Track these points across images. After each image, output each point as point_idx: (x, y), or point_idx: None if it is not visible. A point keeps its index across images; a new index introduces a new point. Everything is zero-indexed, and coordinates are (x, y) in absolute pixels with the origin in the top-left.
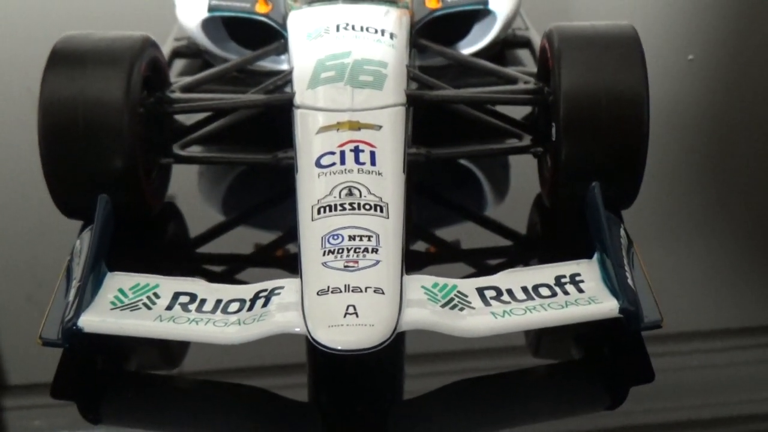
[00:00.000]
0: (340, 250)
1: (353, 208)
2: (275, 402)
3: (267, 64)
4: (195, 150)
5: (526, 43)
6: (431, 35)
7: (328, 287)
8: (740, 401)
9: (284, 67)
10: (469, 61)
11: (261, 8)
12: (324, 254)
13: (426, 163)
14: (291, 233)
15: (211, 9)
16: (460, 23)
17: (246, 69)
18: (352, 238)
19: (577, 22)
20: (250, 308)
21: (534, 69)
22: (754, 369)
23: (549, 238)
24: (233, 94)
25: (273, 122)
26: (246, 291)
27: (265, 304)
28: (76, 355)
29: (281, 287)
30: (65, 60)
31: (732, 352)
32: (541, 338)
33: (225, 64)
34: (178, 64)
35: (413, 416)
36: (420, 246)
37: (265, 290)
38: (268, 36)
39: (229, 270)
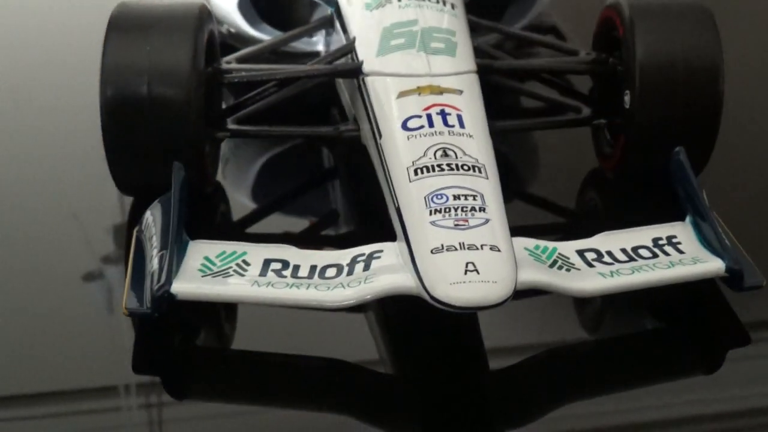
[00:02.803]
0: (447, 209)
1: (452, 169)
2: (354, 374)
3: (301, 45)
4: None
5: (551, 29)
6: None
7: (442, 245)
8: None
9: (319, 47)
10: (527, 36)
11: None
12: (430, 213)
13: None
14: (350, 208)
15: None
16: (495, 5)
17: (279, 51)
18: (456, 197)
19: None
20: (350, 273)
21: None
22: None
23: (620, 209)
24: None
25: (309, 98)
26: (341, 256)
27: (366, 268)
28: (150, 330)
29: (380, 251)
30: (126, 28)
31: None
32: (622, 307)
33: (274, 37)
34: None
35: (507, 386)
36: None
37: (363, 254)
38: (297, 17)
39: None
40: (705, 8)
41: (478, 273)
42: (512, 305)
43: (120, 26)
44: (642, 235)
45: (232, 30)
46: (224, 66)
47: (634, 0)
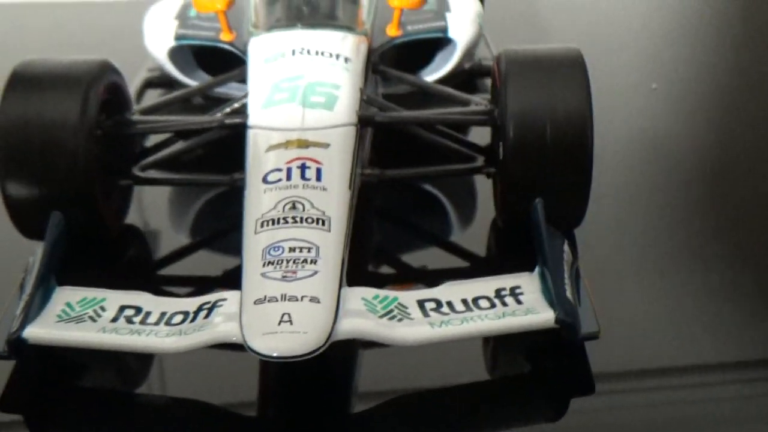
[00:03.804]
0: (280, 261)
1: (296, 222)
2: (225, 418)
3: (233, 92)
4: (155, 172)
5: (488, 73)
6: (396, 63)
7: (265, 296)
8: None
9: None
10: (426, 86)
11: (225, 36)
12: (264, 265)
13: (381, 184)
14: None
15: (177, 38)
16: (423, 52)
17: (212, 96)
18: (292, 249)
19: (526, 46)
20: (193, 320)
21: None
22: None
23: (500, 257)
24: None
25: (232, 145)
26: (190, 304)
27: (207, 316)
28: (25, 370)
29: (224, 299)
30: (22, 83)
31: (678, 390)
32: (487, 353)
33: (185, 89)
34: (152, 94)
35: (361, 429)
36: (376, 266)
37: (209, 302)
38: (235, 65)
39: (184, 289)
40: (577, 59)
41: (291, 323)
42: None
43: (18, 82)
44: (486, 286)
45: (173, 78)
46: (127, 117)
47: (512, 53)
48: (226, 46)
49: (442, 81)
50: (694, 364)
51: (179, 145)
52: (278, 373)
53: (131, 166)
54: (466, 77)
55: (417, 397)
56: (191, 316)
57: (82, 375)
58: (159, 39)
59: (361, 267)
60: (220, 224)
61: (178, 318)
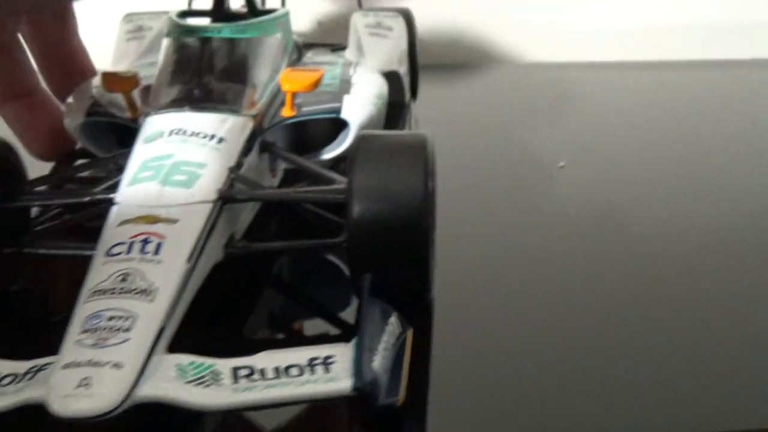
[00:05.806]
0: (95, 329)
1: (122, 292)
2: None
3: None
4: (43, 242)
5: None
6: (299, 142)
7: (72, 362)
8: None
9: None
10: (300, 164)
11: (130, 114)
12: (80, 333)
13: (245, 256)
14: None
15: (88, 114)
16: (325, 131)
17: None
18: (110, 318)
19: (383, 131)
20: (19, 381)
21: None
22: None
23: (350, 329)
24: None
25: None
26: (21, 367)
27: (32, 378)
28: None
29: (50, 363)
30: None
31: None
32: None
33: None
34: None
35: None
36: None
37: (36, 366)
38: None
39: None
40: (420, 142)
41: (88, 387)
42: None
43: None
44: (301, 354)
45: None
46: (17, 189)
47: (366, 135)
48: (129, 123)
49: (342, 160)
50: None
51: (66, 217)
52: None
53: (19, 235)
54: None
55: None
56: (19, 377)
57: None
58: (74, 115)
59: (198, 337)
60: None
61: (8, 380)
